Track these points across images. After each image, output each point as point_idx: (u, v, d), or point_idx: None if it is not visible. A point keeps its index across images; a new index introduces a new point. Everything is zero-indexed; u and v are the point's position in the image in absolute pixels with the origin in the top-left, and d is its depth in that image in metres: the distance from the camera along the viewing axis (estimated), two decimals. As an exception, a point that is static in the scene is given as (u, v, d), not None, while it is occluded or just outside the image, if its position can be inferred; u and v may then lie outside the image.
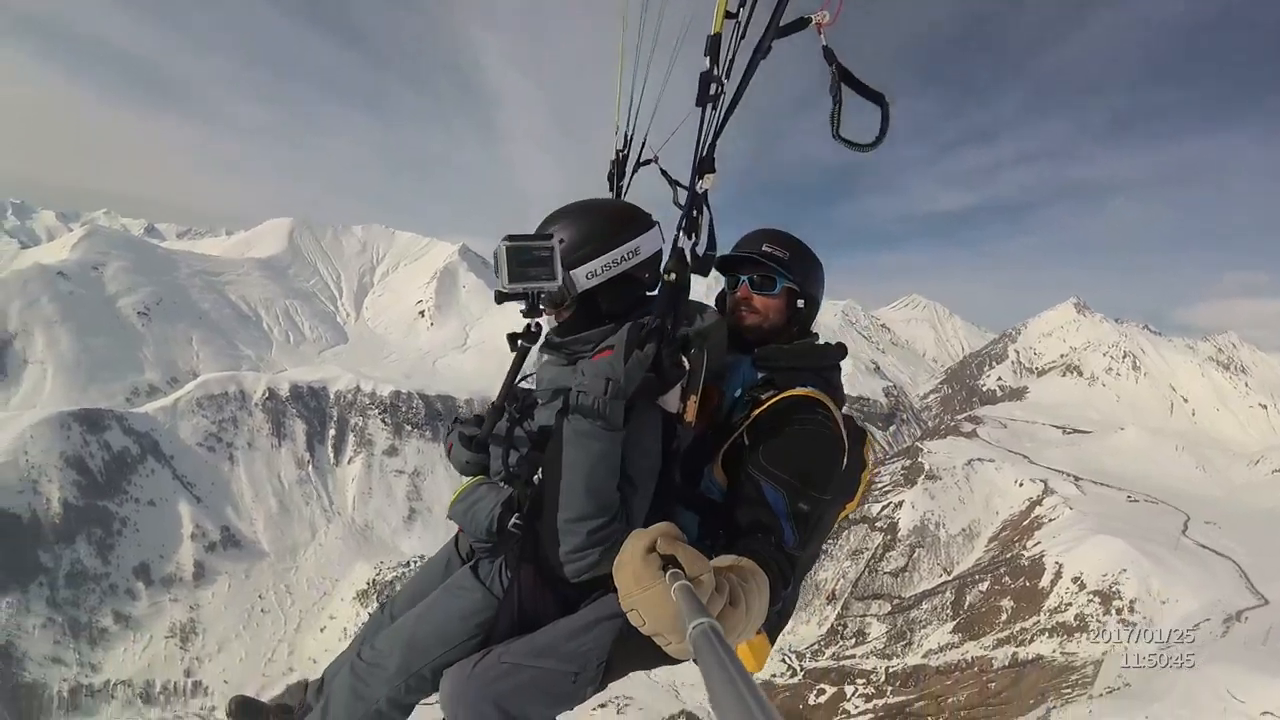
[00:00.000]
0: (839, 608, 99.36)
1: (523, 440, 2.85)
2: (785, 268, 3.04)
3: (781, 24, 2.39)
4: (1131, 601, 73.60)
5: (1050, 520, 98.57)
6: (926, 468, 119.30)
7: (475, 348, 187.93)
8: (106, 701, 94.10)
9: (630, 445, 2.48)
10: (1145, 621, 69.99)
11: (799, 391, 2.76)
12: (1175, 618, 69.23)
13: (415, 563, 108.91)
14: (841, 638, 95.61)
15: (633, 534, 1.76)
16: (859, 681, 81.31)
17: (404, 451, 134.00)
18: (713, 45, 2.48)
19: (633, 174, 3.39)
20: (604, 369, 2.43)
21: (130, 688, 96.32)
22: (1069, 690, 64.31)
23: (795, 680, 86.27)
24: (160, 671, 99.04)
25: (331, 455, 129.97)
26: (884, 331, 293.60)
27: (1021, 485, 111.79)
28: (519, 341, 2.71)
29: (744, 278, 3.12)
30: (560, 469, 2.43)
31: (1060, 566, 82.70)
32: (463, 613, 2.78)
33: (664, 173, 3.17)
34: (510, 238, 2.52)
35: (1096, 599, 75.91)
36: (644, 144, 3.29)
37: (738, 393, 2.92)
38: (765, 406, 2.75)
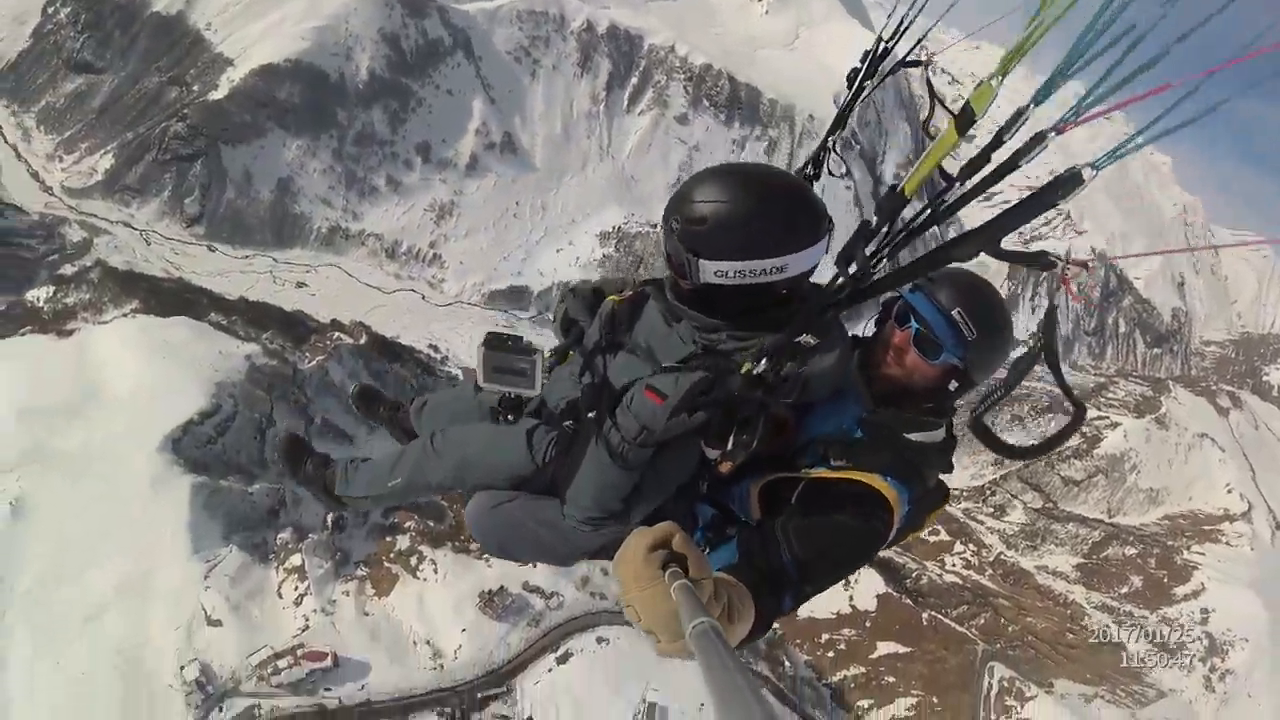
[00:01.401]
0: (999, 475, 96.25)
1: (598, 369, 2.74)
2: (963, 347, 2.57)
3: None
4: (1227, 672, 68.16)
5: (1227, 542, 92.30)
6: (1163, 410, 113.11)
7: (801, 51, 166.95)
8: (357, 246, 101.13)
9: (653, 467, 2.54)
10: (1221, 697, 66.69)
11: (870, 482, 2.46)
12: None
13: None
14: (983, 501, 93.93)
15: (636, 532, 1.74)
16: (970, 546, 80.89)
17: (693, 124, 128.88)
18: None
19: (885, 77, 2.69)
20: (644, 415, 2.40)
21: (380, 241, 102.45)
22: (1124, 695, 63.53)
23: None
24: (410, 236, 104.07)
25: (626, 102, 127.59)
26: (1211, 255, 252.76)
27: (1230, 492, 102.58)
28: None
29: (915, 325, 2.62)
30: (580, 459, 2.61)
31: (1202, 588, 78.09)
32: (508, 466, 2.88)
33: (931, 89, 2.54)
34: (489, 341, 2.56)
35: (1204, 641, 70.98)
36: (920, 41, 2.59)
37: (815, 435, 2.66)
38: (830, 478, 2.49)
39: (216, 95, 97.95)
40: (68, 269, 70.32)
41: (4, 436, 47.91)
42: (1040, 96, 1.60)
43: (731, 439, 2.37)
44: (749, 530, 2.50)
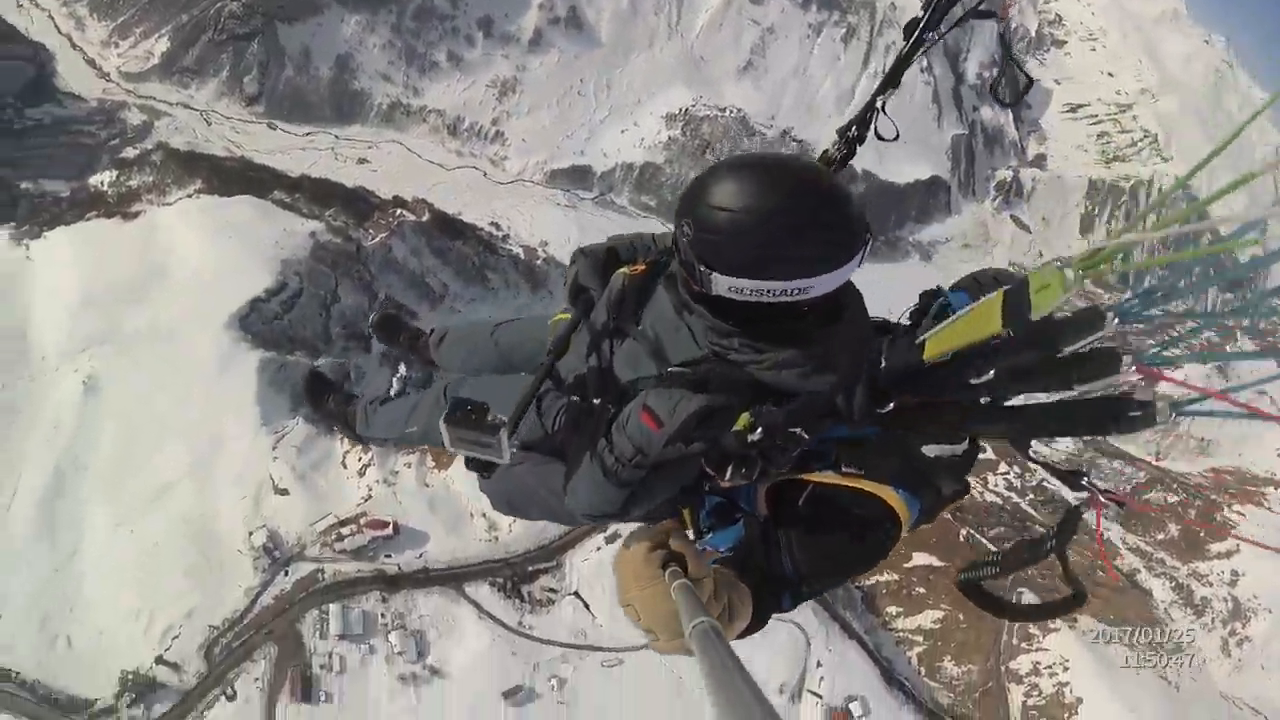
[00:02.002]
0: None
1: (604, 355, 2.65)
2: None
3: None
4: (1245, 639, 64.44)
5: (1269, 508, 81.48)
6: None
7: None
8: (418, 123, 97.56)
9: (652, 474, 2.39)
10: (1235, 663, 63.19)
11: (879, 493, 2.23)
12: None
13: (733, 110, 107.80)
14: None
15: (635, 531, 1.76)
16: (1014, 469, 75.99)
17: (768, 4, 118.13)
18: None
19: (951, 29, 2.64)
20: (639, 440, 2.28)
21: (441, 117, 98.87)
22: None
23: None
24: (471, 112, 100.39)
25: None
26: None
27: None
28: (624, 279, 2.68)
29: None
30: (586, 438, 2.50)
31: (1237, 548, 71.20)
32: (518, 433, 2.65)
33: (1008, 49, 2.07)
34: (451, 418, 2.21)
35: (1229, 604, 67.45)
36: None
37: (830, 437, 2.33)
38: (838, 485, 2.28)
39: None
40: (129, 152, 69.80)
41: (75, 318, 49.05)
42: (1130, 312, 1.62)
43: (730, 470, 2.24)
44: (754, 524, 2.36)
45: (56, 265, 52.08)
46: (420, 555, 42.85)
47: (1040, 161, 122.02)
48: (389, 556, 42.32)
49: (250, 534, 41.39)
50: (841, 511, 2.21)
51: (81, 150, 69.72)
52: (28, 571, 41.25)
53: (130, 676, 38.72)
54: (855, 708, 44.00)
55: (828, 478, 2.26)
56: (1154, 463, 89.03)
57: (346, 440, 45.71)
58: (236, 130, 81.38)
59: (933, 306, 2.40)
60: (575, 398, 2.68)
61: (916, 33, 2.48)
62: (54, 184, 64.55)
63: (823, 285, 2.04)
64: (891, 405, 2.25)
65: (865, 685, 45.10)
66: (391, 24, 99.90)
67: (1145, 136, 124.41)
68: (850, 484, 2.23)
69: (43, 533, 42.18)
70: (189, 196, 61.75)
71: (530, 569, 44.01)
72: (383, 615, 40.84)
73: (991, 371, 1.90)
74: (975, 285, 2.33)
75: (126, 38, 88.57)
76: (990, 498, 72.23)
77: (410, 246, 63.30)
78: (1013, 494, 73.70)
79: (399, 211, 66.94)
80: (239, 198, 60.38)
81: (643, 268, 2.70)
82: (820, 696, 44.00)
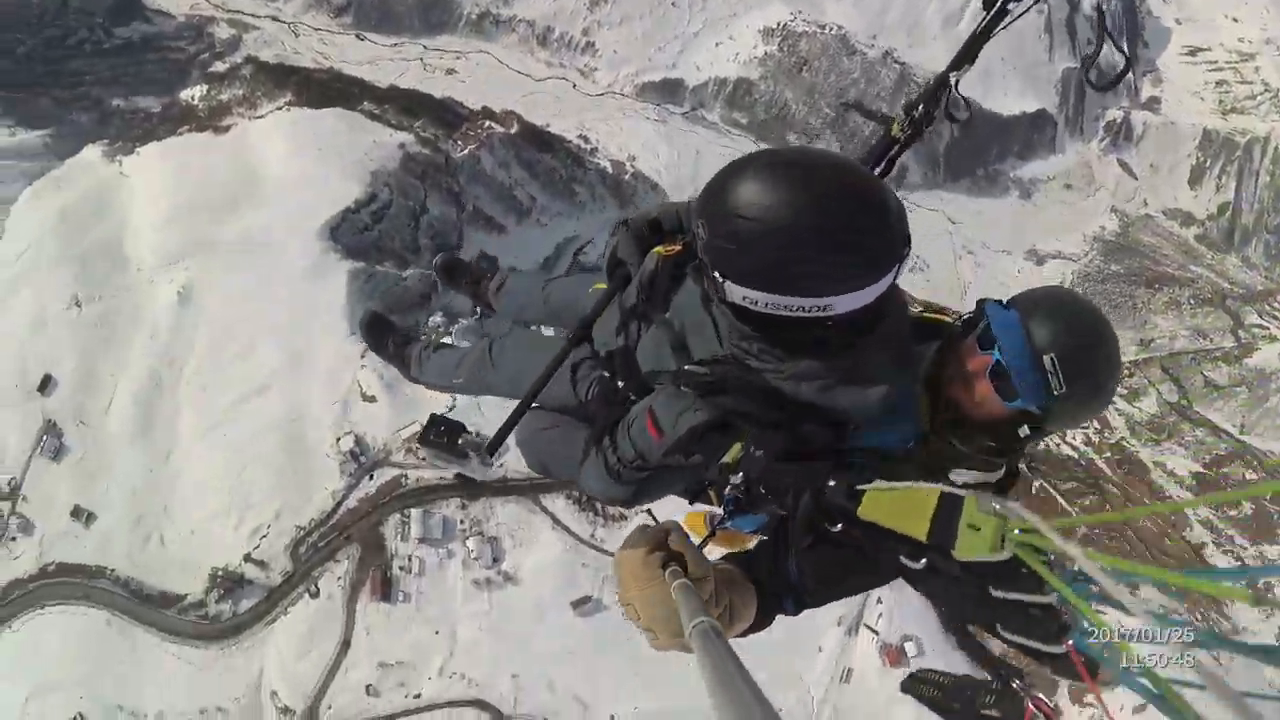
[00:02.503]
0: (1143, 358, 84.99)
1: (632, 336, 2.68)
2: (1046, 398, 2.14)
3: None
4: None
5: None
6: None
7: None
8: (507, 33, 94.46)
9: (656, 474, 2.43)
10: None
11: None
12: None
13: (833, 27, 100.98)
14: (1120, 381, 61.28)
15: (637, 530, 1.76)
16: (1095, 424, 71.70)
17: None
18: None
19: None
20: (640, 445, 2.28)
21: (531, 27, 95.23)
22: (1201, 620, 34.30)
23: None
24: (562, 22, 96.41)
25: None
26: None
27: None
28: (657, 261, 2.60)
29: (996, 355, 2.15)
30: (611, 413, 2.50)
31: None
32: (554, 394, 2.80)
33: (1100, 12, 2.18)
34: (424, 438, 2.46)
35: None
36: None
37: (864, 445, 2.24)
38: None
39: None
40: (219, 66, 70.09)
41: (170, 230, 49.73)
42: None
43: (729, 489, 2.19)
44: (770, 522, 2.39)
45: (149, 179, 52.65)
46: (500, 465, 42.92)
47: (1153, 105, 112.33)
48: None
49: (338, 439, 42.04)
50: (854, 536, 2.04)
51: (171, 66, 70.48)
52: (124, 473, 42.78)
53: (220, 573, 40.27)
54: (910, 647, 43.05)
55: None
56: (1236, 435, 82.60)
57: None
58: (324, 42, 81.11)
59: (982, 322, 2.18)
60: (606, 373, 2.64)
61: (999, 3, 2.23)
62: (145, 100, 65.95)
63: (847, 304, 1.86)
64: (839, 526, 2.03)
65: (922, 627, 43.52)
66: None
67: (1266, 90, 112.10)
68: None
69: (139, 435, 43.58)
70: (279, 109, 61.50)
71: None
72: (461, 521, 41.42)
73: (924, 562, 1.78)
74: (1026, 298, 2.13)
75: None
76: (1066, 450, 69.71)
77: (498, 158, 62.28)
78: (1090, 449, 71.64)
79: (487, 123, 65.91)
80: (329, 110, 59.80)
81: (679, 248, 2.56)
82: (877, 633, 43.11)
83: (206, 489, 41.52)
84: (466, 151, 60.89)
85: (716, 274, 1.92)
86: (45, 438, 44.19)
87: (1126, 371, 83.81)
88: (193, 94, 64.21)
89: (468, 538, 40.91)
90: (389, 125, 60.53)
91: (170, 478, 42.47)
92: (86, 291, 47.70)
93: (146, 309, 46.88)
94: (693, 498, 2.71)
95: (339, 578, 39.97)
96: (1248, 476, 77.65)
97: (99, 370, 45.73)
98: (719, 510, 2.56)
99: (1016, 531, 1.53)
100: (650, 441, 2.19)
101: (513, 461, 36.91)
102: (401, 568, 40.06)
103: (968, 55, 2.48)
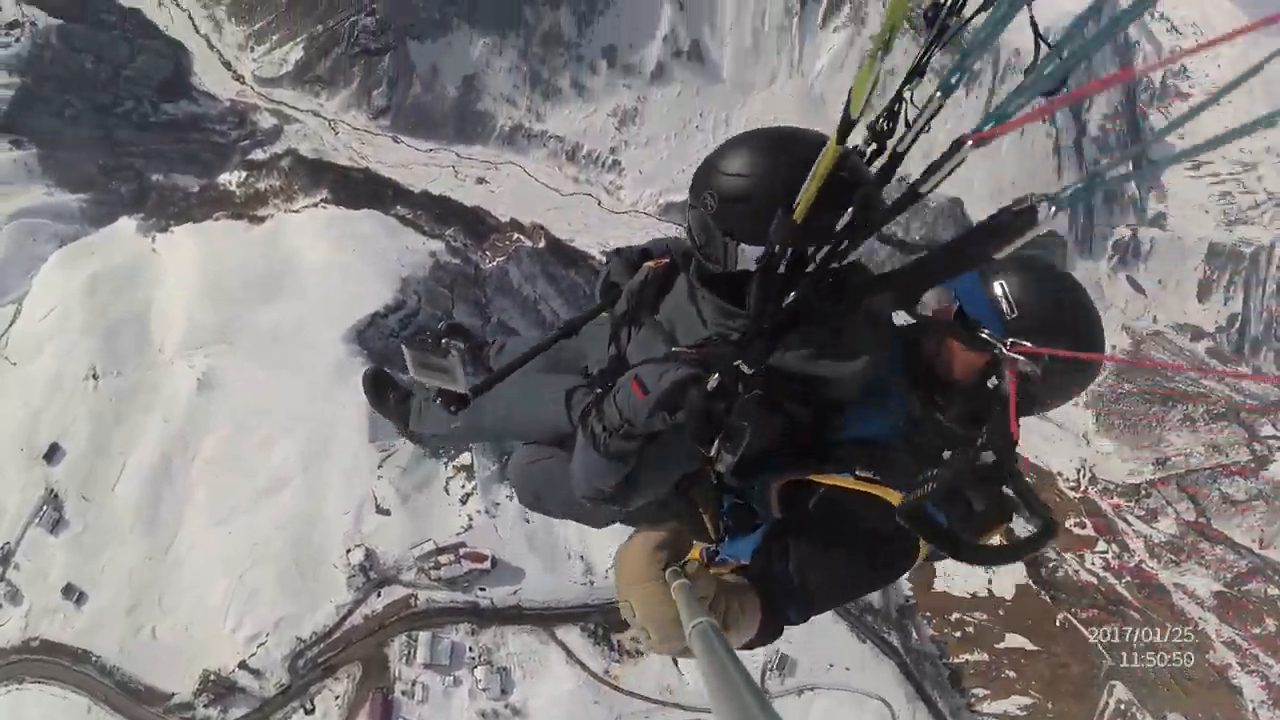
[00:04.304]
0: (1158, 476, 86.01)
1: (622, 342, 2.72)
2: (1000, 328, 2.22)
3: None
4: None
5: None
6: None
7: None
8: (538, 147, 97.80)
9: (648, 456, 2.31)
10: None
11: (893, 501, 2.08)
12: None
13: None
14: (1136, 501, 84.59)
15: (637, 531, 1.78)
16: (1113, 548, 74.71)
17: (892, 49, 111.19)
18: None
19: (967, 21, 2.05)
20: (626, 408, 2.18)
21: (561, 143, 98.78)
22: None
23: (1073, 495, 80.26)
24: (591, 140, 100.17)
25: (820, 18, 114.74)
26: None
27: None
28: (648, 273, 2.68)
29: (956, 299, 2.30)
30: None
31: None
32: (549, 422, 2.83)
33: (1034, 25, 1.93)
34: (410, 340, 2.48)
35: None
36: None
37: (852, 437, 2.30)
38: (851, 491, 2.16)
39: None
40: (259, 154, 72.06)
41: (196, 314, 49.95)
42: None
43: (716, 446, 2.11)
44: (769, 528, 2.29)
45: (181, 260, 53.36)
46: (515, 592, 42.66)
47: (1159, 220, 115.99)
48: (483, 590, 42.20)
49: (348, 551, 41.70)
50: (853, 521, 2.11)
51: (213, 148, 72.15)
52: (123, 555, 42.05)
53: (212, 676, 39.14)
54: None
55: (843, 481, 2.15)
56: (1257, 551, 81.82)
57: (449, 466, 45.79)
58: (362, 141, 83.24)
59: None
60: (599, 390, 2.50)
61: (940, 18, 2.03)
62: (184, 179, 67.13)
63: None
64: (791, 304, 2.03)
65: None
66: (519, 48, 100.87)
67: (1269, 198, 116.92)
68: (864, 489, 2.11)
69: (142, 519, 42.97)
70: (315, 205, 63.11)
71: (623, 618, 45.28)
72: (471, 648, 40.75)
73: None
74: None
75: (262, 43, 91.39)
76: (1086, 577, 69.09)
77: (525, 272, 63.87)
78: (1109, 574, 70.94)
79: (516, 235, 67.41)
80: (364, 211, 61.58)
81: (666, 260, 2.70)
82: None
83: (207, 584, 40.70)
84: (495, 264, 62.50)
85: (727, 239, 2.09)
86: (45, 508, 43.47)
87: (1143, 492, 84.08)
88: (231, 179, 66.08)
89: (476, 666, 40.08)
90: (421, 231, 62.39)
91: (170, 567, 41.62)
92: (105, 364, 47.51)
93: (164, 391, 46.69)
94: (690, 501, 2.63)
95: (337, 697, 38.81)
96: (1269, 592, 76.21)
97: (109, 446, 45.24)
98: (714, 547, 2.61)
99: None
100: (635, 401, 2.14)
101: (527, 589, 36.73)
102: (404, 692, 39.03)
103: (916, 69, 2.48)
